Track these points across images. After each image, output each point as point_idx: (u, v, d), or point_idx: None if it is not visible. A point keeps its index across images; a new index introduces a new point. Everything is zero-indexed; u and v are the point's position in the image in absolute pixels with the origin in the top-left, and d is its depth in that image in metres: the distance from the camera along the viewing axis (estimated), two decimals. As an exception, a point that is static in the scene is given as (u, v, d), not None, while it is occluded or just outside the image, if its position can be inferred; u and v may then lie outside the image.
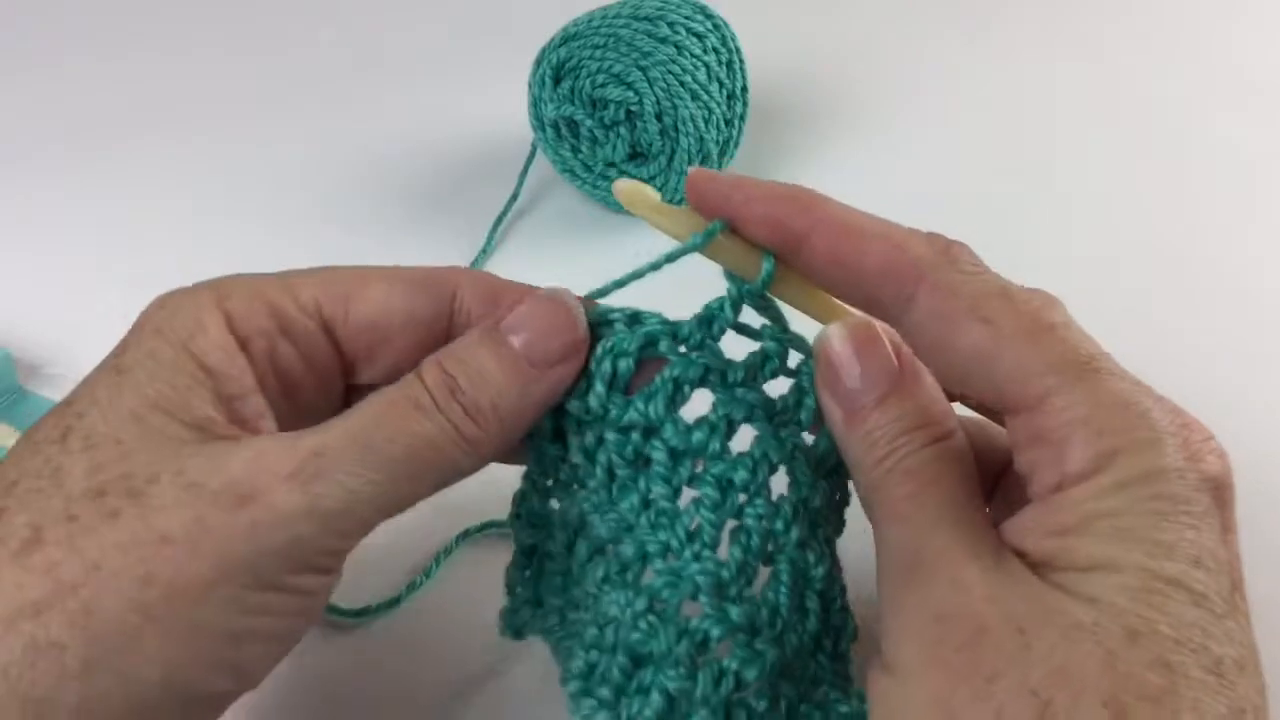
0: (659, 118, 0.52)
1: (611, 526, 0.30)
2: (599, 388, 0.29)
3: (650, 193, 0.30)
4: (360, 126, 0.67)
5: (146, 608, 0.24)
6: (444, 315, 0.31)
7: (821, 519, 0.30)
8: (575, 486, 0.31)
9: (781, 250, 0.29)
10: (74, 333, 0.52)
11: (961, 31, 0.73)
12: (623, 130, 0.53)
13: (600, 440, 0.30)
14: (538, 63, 0.55)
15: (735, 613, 0.27)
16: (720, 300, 0.30)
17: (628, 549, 0.29)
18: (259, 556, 0.25)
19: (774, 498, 0.29)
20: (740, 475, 0.29)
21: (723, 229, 0.29)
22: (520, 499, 0.32)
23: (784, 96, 0.66)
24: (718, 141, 0.54)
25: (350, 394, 0.32)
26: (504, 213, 0.57)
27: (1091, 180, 0.59)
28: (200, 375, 0.27)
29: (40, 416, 0.27)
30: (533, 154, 0.58)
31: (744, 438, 0.30)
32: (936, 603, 0.24)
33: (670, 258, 0.30)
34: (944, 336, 0.26)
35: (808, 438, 0.31)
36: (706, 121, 0.53)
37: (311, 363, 0.30)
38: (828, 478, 0.30)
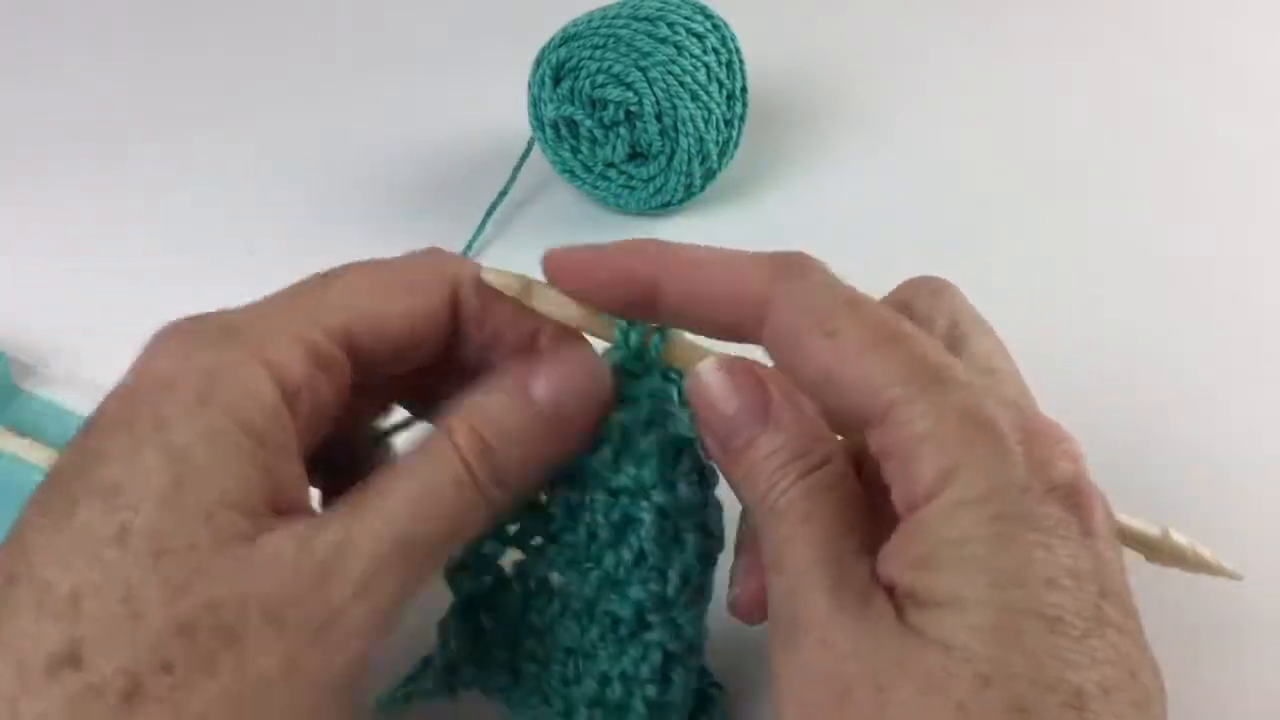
0: (659, 118, 0.52)
1: (594, 583, 0.31)
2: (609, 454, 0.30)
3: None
4: (359, 127, 0.67)
5: None
6: (449, 316, 0.30)
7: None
8: (539, 539, 0.32)
9: (639, 302, 0.28)
10: (69, 334, 0.52)
11: (962, 32, 0.73)
12: (622, 130, 0.53)
13: (587, 500, 0.30)
14: (537, 63, 0.55)
15: (681, 617, 0.30)
16: None
17: (623, 608, 0.30)
18: (342, 676, 0.25)
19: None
20: (714, 516, 0.30)
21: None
22: (473, 546, 0.32)
23: (784, 97, 0.66)
24: (717, 142, 0.54)
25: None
26: (495, 204, 0.57)
27: (1092, 180, 0.59)
28: (258, 452, 0.25)
29: (58, 486, 0.24)
30: (529, 148, 0.58)
31: None
32: (807, 663, 0.24)
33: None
34: (793, 353, 0.26)
35: None
36: (706, 122, 0.53)
37: (338, 390, 0.28)
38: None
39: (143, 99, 0.71)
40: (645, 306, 0.28)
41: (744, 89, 0.56)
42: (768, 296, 0.26)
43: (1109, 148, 0.61)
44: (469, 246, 0.55)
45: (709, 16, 0.55)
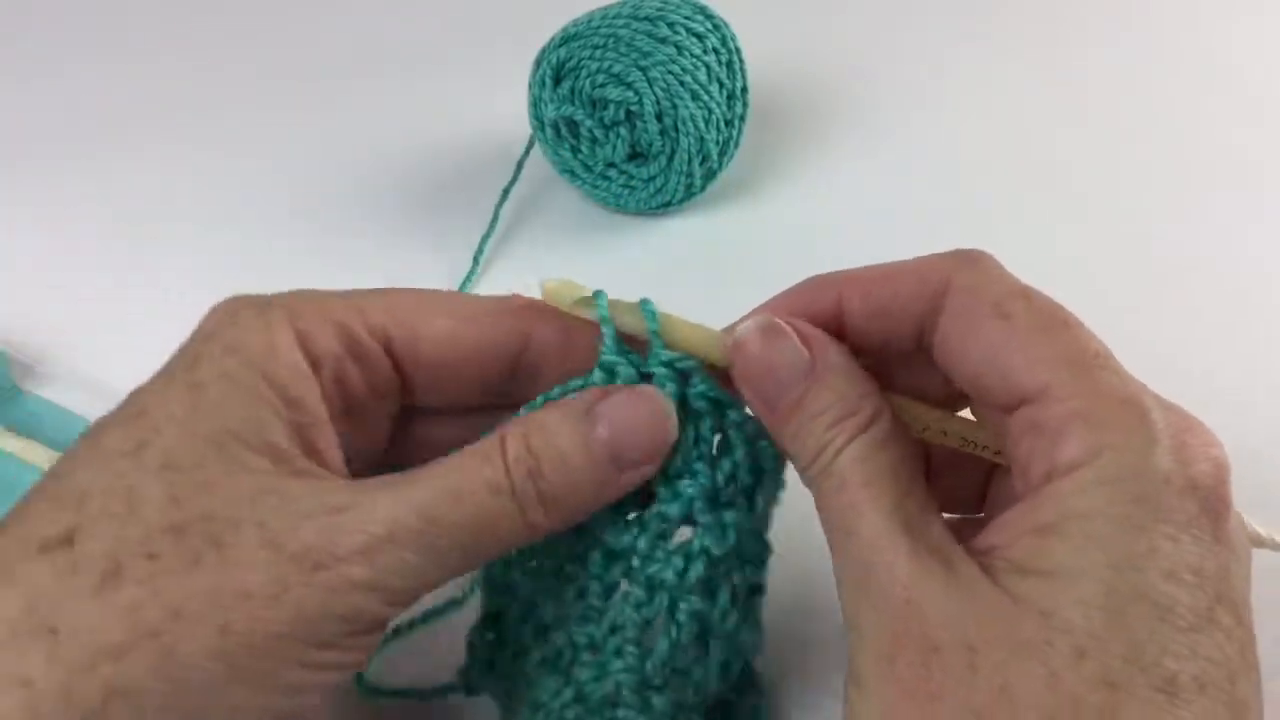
0: (659, 118, 0.52)
1: (552, 612, 0.30)
2: None
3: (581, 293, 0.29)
4: (360, 127, 0.67)
5: (225, 655, 0.24)
6: (513, 352, 0.30)
7: (750, 564, 0.30)
8: (533, 564, 0.31)
9: (824, 327, 0.28)
10: (69, 332, 0.52)
11: (962, 32, 0.73)
12: (623, 130, 0.53)
13: (582, 550, 0.30)
14: (538, 63, 0.55)
15: (659, 701, 0.28)
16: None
17: (560, 638, 0.30)
18: (326, 619, 0.25)
19: (714, 584, 0.29)
20: (669, 576, 0.28)
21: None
22: (489, 564, 0.32)
23: (784, 97, 0.66)
24: (718, 142, 0.54)
25: (404, 414, 0.32)
26: (501, 200, 0.57)
27: (1092, 179, 0.59)
28: (276, 402, 0.27)
29: (98, 421, 0.27)
30: (530, 145, 0.58)
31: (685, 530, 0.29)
32: (892, 621, 0.24)
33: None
34: (965, 334, 0.27)
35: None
36: (706, 122, 0.53)
37: (374, 386, 0.30)
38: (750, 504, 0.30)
39: (144, 99, 0.71)
40: (832, 330, 0.29)
41: (744, 89, 0.56)
42: (948, 282, 0.27)
43: (1109, 146, 0.61)
44: (481, 244, 0.55)
45: (709, 16, 0.55)
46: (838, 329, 0.29)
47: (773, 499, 0.30)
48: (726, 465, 0.29)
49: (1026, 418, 0.25)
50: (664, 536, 0.29)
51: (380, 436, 0.31)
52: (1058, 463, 0.24)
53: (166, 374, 0.27)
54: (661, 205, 0.56)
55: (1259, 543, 0.29)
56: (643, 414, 0.28)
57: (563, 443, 0.27)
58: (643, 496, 0.29)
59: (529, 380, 0.31)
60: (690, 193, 0.56)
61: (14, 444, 0.45)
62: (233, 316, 0.28)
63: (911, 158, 0.62)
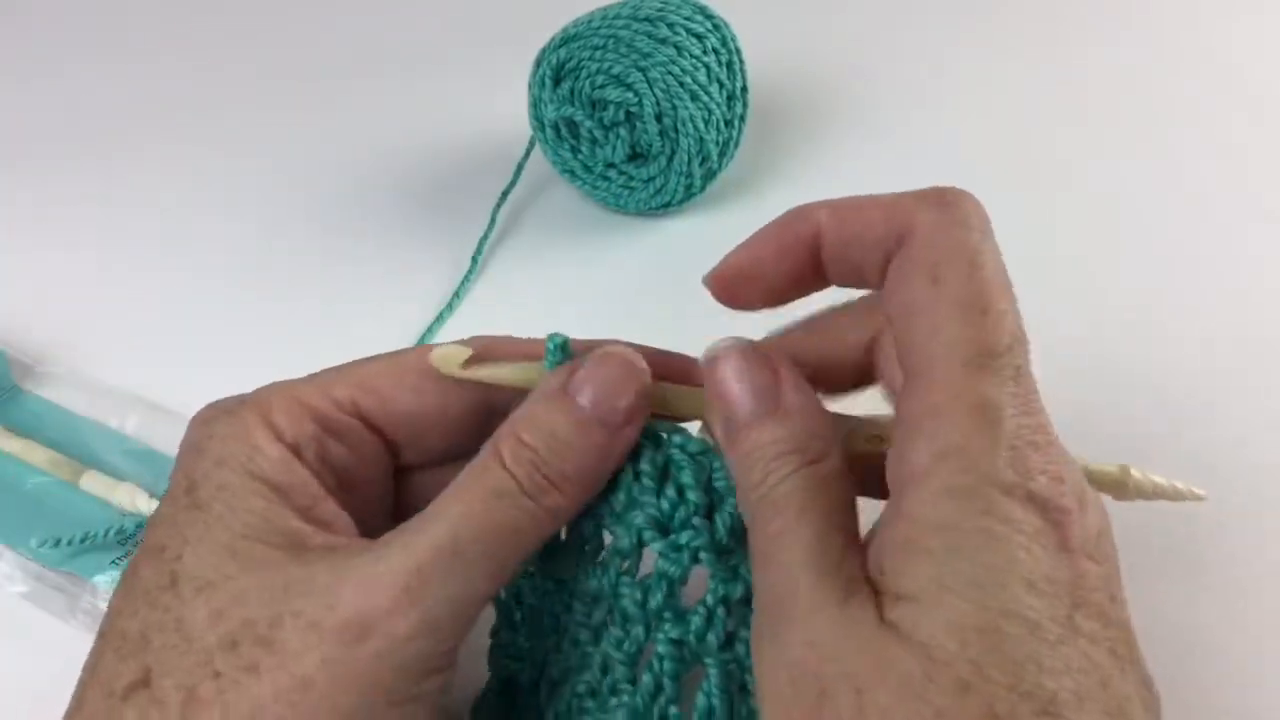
0: (659, 119, 0.52)
1: (558, 668, 0.31)
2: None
3: (462, 355, 0.30)
4: (359, 127, 0.67)
5: None
6: (480, 397, 0.31)
7: (724, 580, 0.29)
8: (544, 621, 0.32)
9: (807, 261, 0.29)
10: (68, 332, 0.52)
11: (962, 31, 0.73)
12: (622, 131, 0.53)
13: (542, 591, 0.31)
14: (537, 63, 0.55)
15: None
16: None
17: (565, 690, 0.30)
18: (389, 678, 0.26)
19: (684, 607, 0.29)
20: (631, 607, 0.28)
21: (562, 344, 0.30)
22: (495, 633, 0.33)
23: (785, 97, 0.66)
24: (717, 142, 0.54)
25: (402, 474, 0.32)
26: (499, 203, 0.57)
27: (1094, 181, 0.59)
28: (272, 494, 0.28)
29: (132, 561, 0.28)
30: (530, 148, 0.58)
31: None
32: (789, 661, 0.24)
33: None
34: (897, 289, 0.26)
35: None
36: (706, 122, 0.53)
37: (359, 454, 0.31)
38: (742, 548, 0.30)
39: (143, 99, 0.71)
40: (814, 268, 0.29)
41: (744, 89, 0.56)
42: (912, 223, 0.26)
43: (1109, 145, 0.61)
44: (481, 245, 0.55)
45: (709, 17, 0.55)
46: (815, 257, 0.28)
47: (736, 514, 0.30)
48: (671, 491, 0.29)
49: (901, 403, 0.25)
50: (629, 572, 0.29)
51: (383, 501, 0.32)
52: (904, 467, 0.24)
53: (172, 501, 0.28)
54: (661, 206, 0.56)
55: (1159, 493, 0.28)
56: (615, 373, 0.29)
57: (552, 424, 0.28)
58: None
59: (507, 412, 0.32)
60: (690, 193, 0.56)
61: (14, 444, 0.45)
62: (209, 427, 0.29)
63: (912, 157, 0.62)
